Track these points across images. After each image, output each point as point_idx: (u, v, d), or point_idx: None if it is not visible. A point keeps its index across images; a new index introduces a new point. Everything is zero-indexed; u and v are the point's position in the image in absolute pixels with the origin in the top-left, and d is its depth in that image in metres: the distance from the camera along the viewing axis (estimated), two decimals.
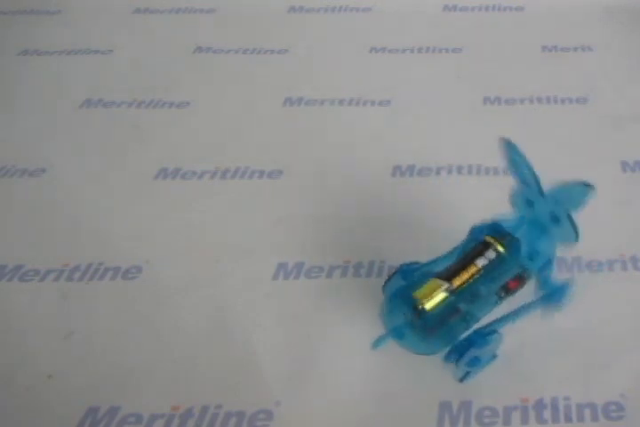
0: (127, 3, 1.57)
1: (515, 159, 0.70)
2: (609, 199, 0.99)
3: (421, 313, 0.66)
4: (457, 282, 0.67)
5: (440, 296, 0.67)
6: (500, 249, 0.69)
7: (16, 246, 0.94)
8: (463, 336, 0.70)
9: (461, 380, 0.73)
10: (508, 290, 0.70)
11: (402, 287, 0.70)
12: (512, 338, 0.74)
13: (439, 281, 0.67)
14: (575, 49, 1.37)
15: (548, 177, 1.03)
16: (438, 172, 1.05)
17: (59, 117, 1.21)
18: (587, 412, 0.71)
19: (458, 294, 0.68)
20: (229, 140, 1.14)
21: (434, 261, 0.75)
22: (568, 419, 0.70)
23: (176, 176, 1.06)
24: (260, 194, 1.02)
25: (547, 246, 0.71)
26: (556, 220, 0.69)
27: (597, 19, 1.47)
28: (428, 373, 0.73)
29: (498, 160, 1.07)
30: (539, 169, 1.04)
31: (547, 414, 0.71)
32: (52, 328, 0.82)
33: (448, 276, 0.68)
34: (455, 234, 0.93)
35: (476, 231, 0.73)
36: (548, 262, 0.71)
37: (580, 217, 0.96)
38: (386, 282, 0.77)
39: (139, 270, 0.89)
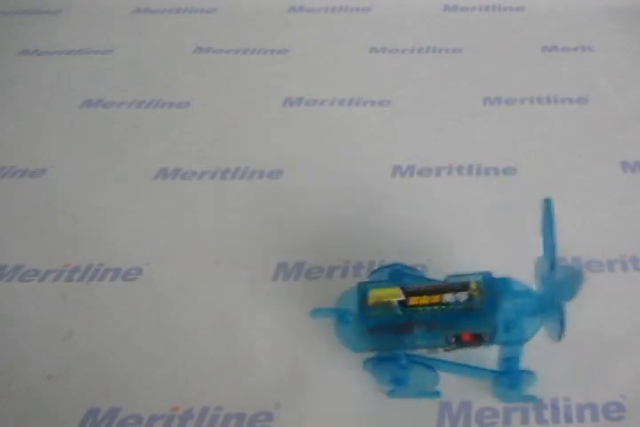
0: (127, 3, 1.58)
1: (548, 222, 0.65)
2: (609, 199, 0.99)
3: (363, 308, 0.66)
4: (413, 301, 0.66)
5: (388, 303, 0.66)
6: (475, 298, 0.65)
7: (16, 246, 0.94)
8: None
9: (389, 394, 0.73)
10: (458, 339, 0.66)
11: (372, 282, 0.71)
12: None
13: (400, 292, 0.67)
14: (575, 49, 1.37)
15: (549, 178, 1.04)
16: (438, 172, 1.05)
17: (59, 117, 1.21)
18: (587, 412, 0.71)
19: (408, 312, 0.66)
20: (229, 140, 1.14)
21: (426, 279, 0.74)
22: (568, 419, 0.70)
23: (176, 176, 1.06)
24: (260, 194, 1.02)
25: (529, 327, 0.66)
26: (553, 307, 0.65)
27: (597, 19, 1.47)
28: None
29: (498, 160, 1.08)
30: (542, 173, 1.06)
31: (547, 414, 0.71)
32: (52, 328, 0.82)
33: (412, 291, 0.67)
34: (455, 234, 0.93)
35: (481, 274, 0.68)
36: (519, 342, 0.67)
37: (581, 217, 0.96)
38: (373, 271, 0.77)
39: (139, 272, 0.89)
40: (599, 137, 1.12)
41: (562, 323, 0.63)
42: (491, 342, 0.67)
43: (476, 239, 0.92)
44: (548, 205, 0.64)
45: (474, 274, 0.67)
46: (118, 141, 1.14)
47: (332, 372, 0.76)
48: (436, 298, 0.65)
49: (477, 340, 0.66)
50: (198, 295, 0.86)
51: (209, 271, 0.89)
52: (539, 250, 0.88)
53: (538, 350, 0.75)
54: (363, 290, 0.67)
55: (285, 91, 1.26)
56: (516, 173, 1.04)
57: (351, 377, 0.75)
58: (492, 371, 0.70)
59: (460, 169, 1.05)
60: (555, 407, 0.71)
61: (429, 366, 0.69)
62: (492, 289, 0.65)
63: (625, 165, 1.05)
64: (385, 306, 0.66)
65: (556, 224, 0.63)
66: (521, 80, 1.28)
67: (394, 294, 0.66)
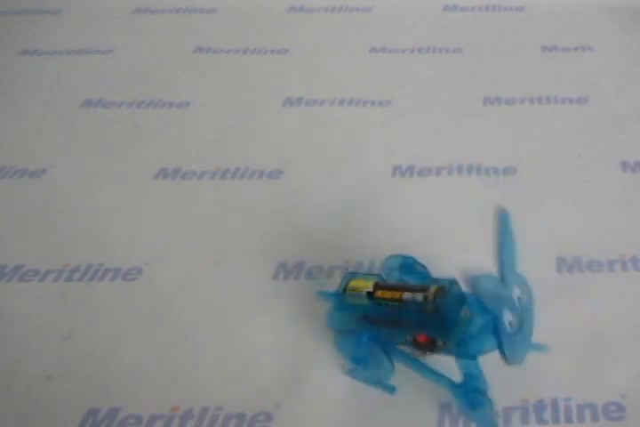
0: (127, 3, 1.58)
1: (504, 233, 0.66)
2: (609, 199, 0.99)
3: (341, 293, 0.71)
4: (378, 294, 0.69)
5: (359, 292, 0.69)
6: (429, 301, 0.65)
7: (16, 246, 0.94)
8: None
9: (348, 372, 0.74)
10: (414, 339, 0.68)
11: (359, 273, 0.74)
12: None
13: (372, 284, 0.70)
14: (575, 49, 1.37)
15: (549, 178, 1.03)
16: (438, 172, 1.05)
17: (59, 117, 1.21)
18: (587, 412, 0.71)
19: (373, 303, 0.68)
20: (229, 140, 1.14)
21: (429, 278, 0.75)
22: (568, 419, 0.70)
23: (176, 176, 1.06)
24: (260, 194, 1.02)
25: (483, 345, 0.66)
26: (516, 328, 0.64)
27: (597, 19, 1.47)
28: None
29: (498, 160, 1.08)
30: (541, 173, 1.06)
31: (547, 414, 0.71)
32: (51, 328, 0.82)
33: (382, 286, 0.70)
34: (455, 234, 0.93)
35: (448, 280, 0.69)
36: (469, 357, 0.66)
37: (581, 217, 0.96)
38: (389, 257, 0.78)
39: (139, 272, 0.89)
40: (599, 137, 1.12)
41: (502, 352, 0.63)
42: (444, 350, 0.67)
43: (476, 239, 0.91)
44: (505, 219, 0.66)
45: (444, 280, 0.68)
46: (118, 141, 1.14)
47: (331, 372, 0.75)
48: (397, 294, 0.68)
49: (431, 344, 0.67)
50: (198, 295, 0.86)
51: (209, 271, 0.89)
52: (537, 250, 0.89)
53: (537, 351, 0.75)
54: (347, 278, 0.72)
55: (285, 91, 1.26)
56: (516, 173, 1.04)
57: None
58: (450, 381, 0.69)
59: (459, 169, 1.05)
60: (555, 408, 0.71)
61: (387, 352, 0.69)
62: (450, 296, 0.66)
63: (625, 165, 1.05)
64: (356, 294, 0.70)
65: (514, 238, 0.65)
66: (521, 80, 1.28)
67: (367, 286, 0.70)
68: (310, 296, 0.84)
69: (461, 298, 0.66)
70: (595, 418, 0.70)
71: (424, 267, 0.77)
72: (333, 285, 0.85)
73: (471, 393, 0.67)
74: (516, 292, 0.64)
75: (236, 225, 0.96)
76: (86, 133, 1.17)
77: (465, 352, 0.65)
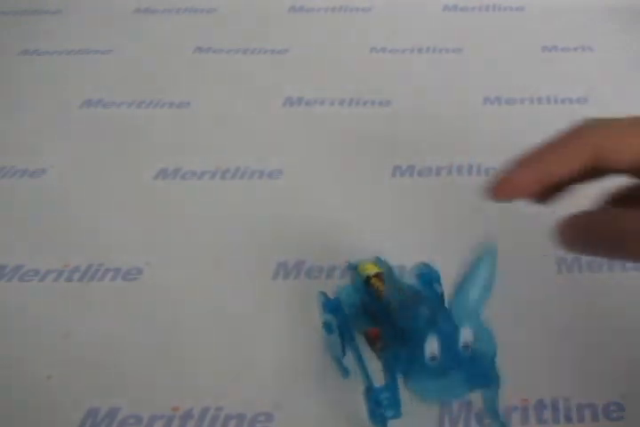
0: (127, 3, 1.58)
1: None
2: None
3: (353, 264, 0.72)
4: (373, 280, 0.69)
5: (365, 272, 0.70)
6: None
7: (16, 246, 0.94)
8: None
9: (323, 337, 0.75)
10: (368, 332, 0.66)
11: (383, 262, 0.71)
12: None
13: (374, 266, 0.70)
14: (575, 49, 1.37)
15: None
16: (438, 172, 1.05)
17: (59, 117, 1.21)
18: (587, 412, 0.71)
19: (367, 284, 0.69)
20: (229, 140, 1.14)
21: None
22: (568, 419, 0.70)
23: (176, 176, 1.06)
24: (260, 194, 1.02)
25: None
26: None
27: (597, 19, 1.48)
28: None
29: (498, 160, 1.07)
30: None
31: (547, 414, 0.71)
32: (51, 329, 0.82)
33: (380, 273, 0.70)
34: (455, 235, 0.93)
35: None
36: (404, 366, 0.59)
37: None
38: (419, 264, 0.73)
39: (139, 272, 0.89)
40: None
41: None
42: (381, 349, 0.64)
43: (476, 240, 0.91)
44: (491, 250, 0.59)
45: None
46: (118, 141, 1.15)
47: (332, 372, 0.75)
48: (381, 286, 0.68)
49: (376, 339, 0.65)
50: (198, 295, 0.86)
51: (209, 271, 0.89)
52: (538, 250, 0.89)
53: (537, 350, 0.75)
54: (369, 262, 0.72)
55: (285, 91, 1.26)
56: None
57: (351, 377, 0.75)
58: (371, 384, 0.64)
59: (459, 169, 1.05)
60: (555, 408, 0.71)
61: (342, 332, 0.69)
62: (426, 299, 0.63)
63: None
64: (360, 273, 0.71)
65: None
66: (521, 80, 1.28)
67: (369, 268, 0.71)
68: (310, 296, 0.84)
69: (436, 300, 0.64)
70: (595, 418, 0.70)
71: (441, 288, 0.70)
72: (331, 285, 0.85)
73: (374, 403, 0.63)
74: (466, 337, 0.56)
75: (235, 225, 0.96)
76: (86, 133, 1.17)
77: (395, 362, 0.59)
